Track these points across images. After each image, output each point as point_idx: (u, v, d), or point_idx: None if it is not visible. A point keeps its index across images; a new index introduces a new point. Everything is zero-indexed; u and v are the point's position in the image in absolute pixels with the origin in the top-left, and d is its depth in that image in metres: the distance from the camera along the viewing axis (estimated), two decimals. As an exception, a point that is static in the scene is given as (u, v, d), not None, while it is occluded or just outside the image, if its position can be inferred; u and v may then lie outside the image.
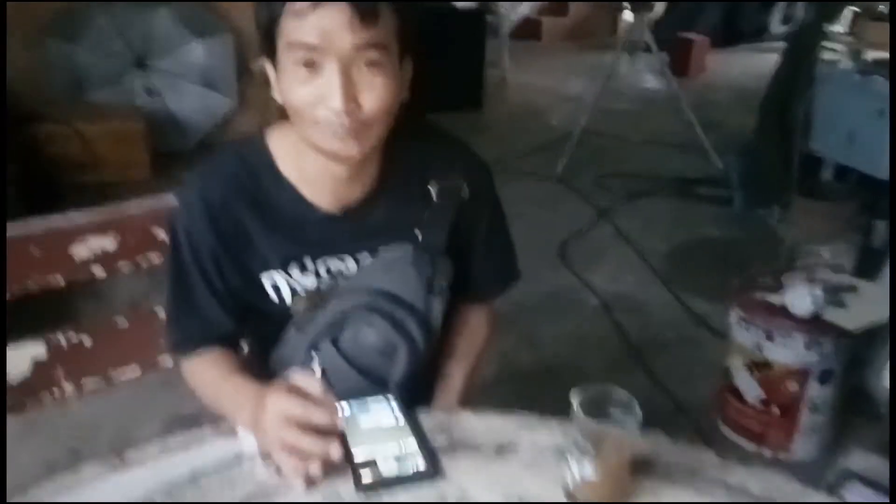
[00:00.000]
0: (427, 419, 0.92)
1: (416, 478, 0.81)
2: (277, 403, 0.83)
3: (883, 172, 2.58)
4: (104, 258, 1.12)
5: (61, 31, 3.58)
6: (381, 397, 0.95)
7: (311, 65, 0.85)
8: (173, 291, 1.03)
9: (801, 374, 1.86)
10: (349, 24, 0.83)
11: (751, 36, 7.37)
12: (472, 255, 1.09)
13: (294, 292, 1.01)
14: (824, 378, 1.86)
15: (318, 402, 0.83)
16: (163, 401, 1.80)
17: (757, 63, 6.52)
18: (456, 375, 1.11)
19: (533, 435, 0.90)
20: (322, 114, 0.87)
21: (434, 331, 1.05)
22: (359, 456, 0.83)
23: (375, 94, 0.87)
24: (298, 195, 0.99)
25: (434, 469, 0.82)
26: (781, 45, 3.65)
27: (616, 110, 4.87)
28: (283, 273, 1.00)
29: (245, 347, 1.13)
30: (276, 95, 0.92)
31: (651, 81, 5.95)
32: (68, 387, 1.12)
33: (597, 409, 0.78)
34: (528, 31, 6.97)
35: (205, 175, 0.99)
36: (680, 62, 6.05)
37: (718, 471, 0.85)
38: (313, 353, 1.02)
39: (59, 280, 1.09)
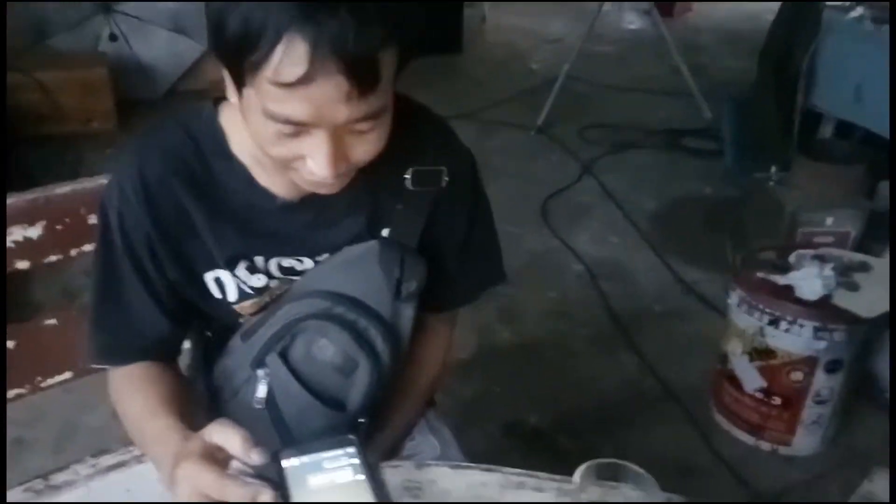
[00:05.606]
0: (393, 475, 0.79)
1: None
2: (188, 475, 0.68)
3: (892, 131, 2.38)
4: (29, 249, 0.98)
5: (21, -26, 3.35)
6: (335, 443, 0.75)
7: (292, 133, 0.71)
8: (100, 286, 0.88)
9: (808, 364, 1.70)
10: (346, 97, 0.68)
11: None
12: (446, 254, 0.94)
13: (241, 292, 0.89)
14: (832, 368, 1.71)
15: (240, 469, 0.69)
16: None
17: (744, 3, 6.27)
18: (392, 414, 0.96)
19: (519, 497, 0.78)
20: (302, 168, 0.75)
21: (402, 345, 0.90)
22: None
23: (368, 148, 0.76)
24: (252, 180, 0.85)
25: None
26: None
27: (598, 53, 4.60)
28: (229, 273, 0.88)
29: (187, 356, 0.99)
30: (232, 98, 0.77)
31: (635, 22, 5.66)
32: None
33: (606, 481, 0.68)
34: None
35: (142, 150, 0.85)
36: (664, 2, 5.77)
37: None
38: (258, 372, 0.87)
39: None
